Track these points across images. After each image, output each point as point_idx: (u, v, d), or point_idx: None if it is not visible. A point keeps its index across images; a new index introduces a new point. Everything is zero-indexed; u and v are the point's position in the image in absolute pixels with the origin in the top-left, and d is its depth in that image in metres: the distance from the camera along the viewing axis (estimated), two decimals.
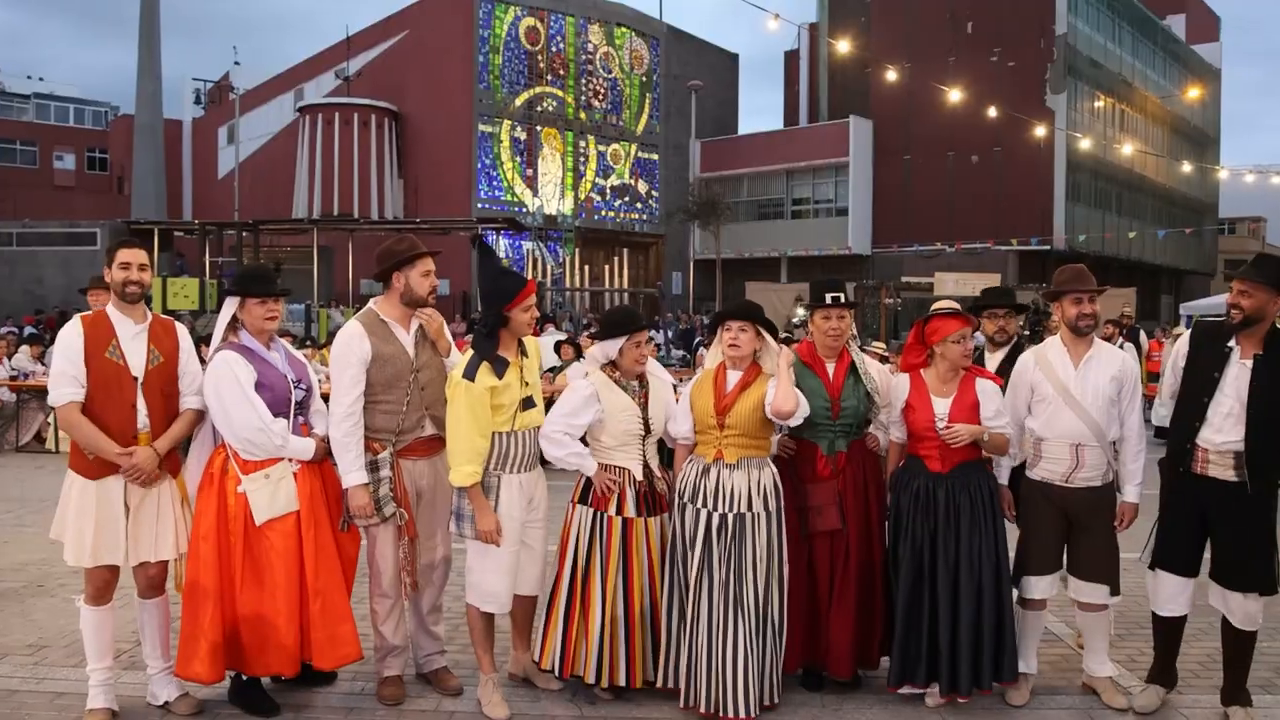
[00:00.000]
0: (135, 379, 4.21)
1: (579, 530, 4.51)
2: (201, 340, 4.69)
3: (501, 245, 32.05)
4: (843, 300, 4.67)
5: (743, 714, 4.22)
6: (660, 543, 4.55)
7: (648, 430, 4.55)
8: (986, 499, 4.48)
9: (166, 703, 4.38)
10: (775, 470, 4.51)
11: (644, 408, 4.53)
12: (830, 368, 4.68)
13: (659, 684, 4.49)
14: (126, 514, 4.20)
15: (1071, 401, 4.51)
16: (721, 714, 4.25)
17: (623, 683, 4.46)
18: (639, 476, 4.54)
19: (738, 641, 4.26)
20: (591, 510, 4.50)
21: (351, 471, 4.35)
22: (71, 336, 4.17)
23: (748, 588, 4.31)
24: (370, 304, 4.65)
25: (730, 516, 4.33)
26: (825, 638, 4.60)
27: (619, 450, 4.52)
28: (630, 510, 4.49)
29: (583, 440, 4.54)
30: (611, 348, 4.53)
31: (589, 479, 4.51)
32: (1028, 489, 4.70)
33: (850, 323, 4.77)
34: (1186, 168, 41.28)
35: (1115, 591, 4.60)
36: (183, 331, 4.50)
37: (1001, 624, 4.42)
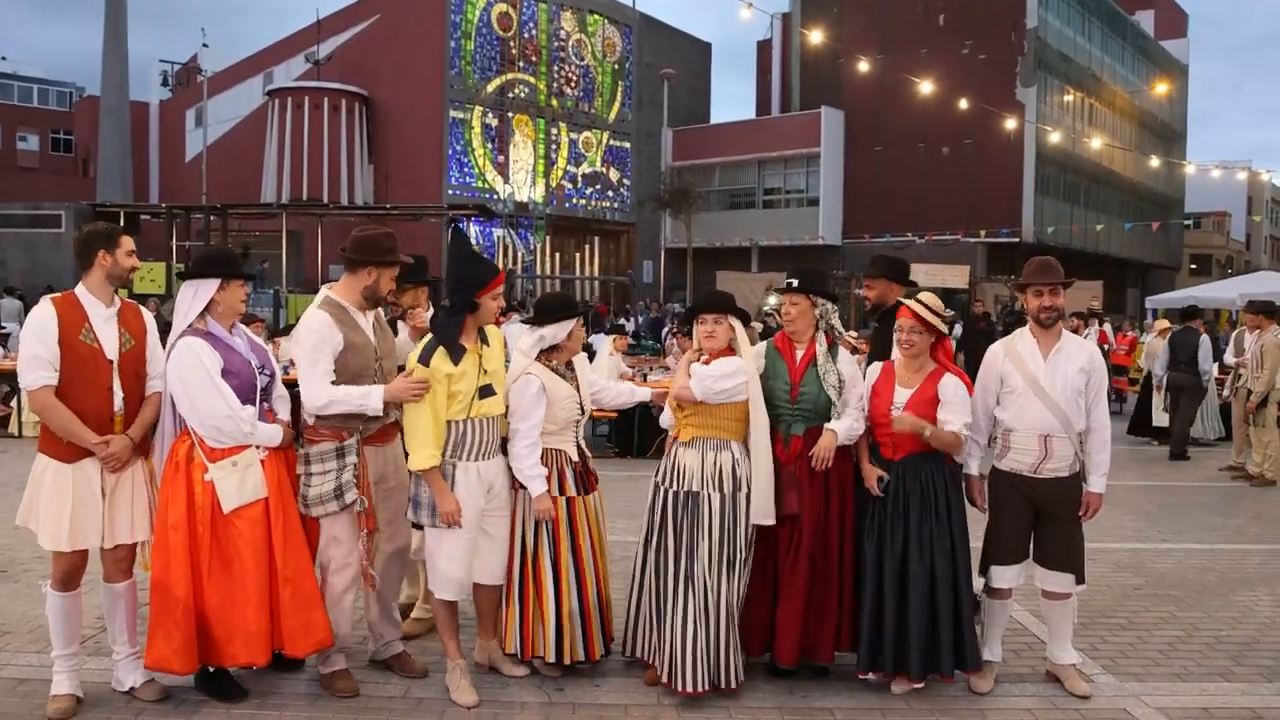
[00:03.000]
0: (111, 362, 4.17)
1: (524, 514, 4.55)
2: (169, 325, 4.64)
3: (472, 232, 31.86)
4: (795, 285, 4.68)
5: (689, 689, 4.33)
6: (596, 519, 4.68)
7: (583, 412, 4.67)
8: (940, 489, 4.51)
9: (132, 689, 4.35)
10: (738, 455, 4.52)
11: (578, 391, 4.64)
12: (799, 354, 4.71)
13: (626, 652, 4.63)
14: (103, 497, 4.17)
15: (1040, 393, 4.56)
16: (673, 686, 4.37)
17: (581, 657, 4.56)
18: (574, 457, 4.64)
19: (685, 617, 4.38)
20: None
21: (364, 398, 4.31)
22: (44, 319, 4.09)
23: (698, 565, 4.40)
24: (327, 291, 4.56)
25: (682, 494, 4.47)
26: (773, 624, 4.60)
27: (557, 435, 4.59)
28: (571, 489, 4.58)
29: None
30: (562, 331, 4.56)
31: None
32: (995, 479, 4.74)
33: (810, 309, 4.70)
34: (1154, 162, 41.71)
35: (1080, 580, 4.66)
36: (148, 315, 4.46)
37: (959, 612, 4.46)
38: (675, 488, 4.50)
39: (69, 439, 4.09)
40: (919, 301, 4.59)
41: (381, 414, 4.44)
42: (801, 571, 4.55)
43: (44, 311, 4.12)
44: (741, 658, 4.48)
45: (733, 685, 4.42)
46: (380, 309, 4.68)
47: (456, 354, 4.31)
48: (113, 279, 4.23)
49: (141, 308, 4.49)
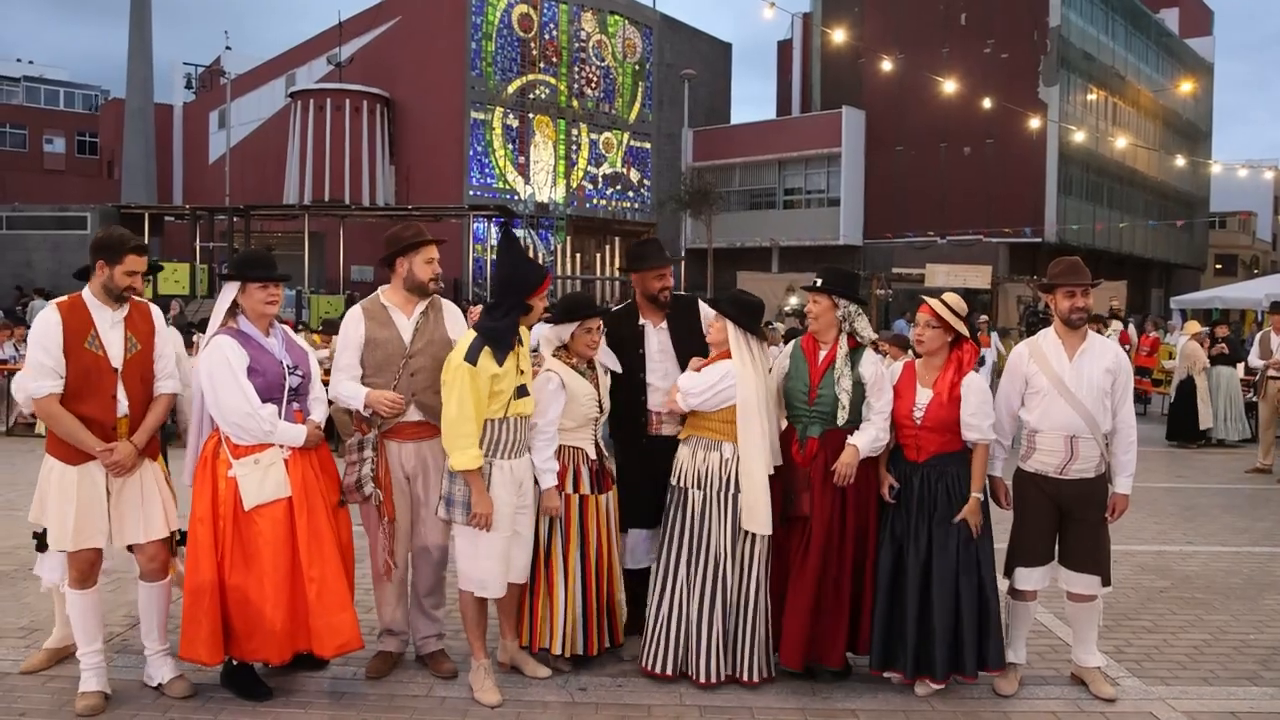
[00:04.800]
0: (115, 370, 4.20)
1: (539, 509, 4.62)
2: (191, 326, 4.70)
3: (493, 233, 31.98)
4: (818, 284, 4.70)
5: (653, 669, 4.59)
6: (607, 518, 4.73)
7: (601, 411, 4.72)
8: (965, 490, 4.50)
9: (160, 685, 4.39)
10: (729, 455, 4.52)
11: (597, 389, 4.68)
12: (822, 355, 4.70)
13: (650, 668, 4.62)
14: (108, 497, 4.22)
15: (1066, 393, 4.53)
16: (646, 668, 4.63)
17: (580, 651, 4.63)
18: (591, 455, 4.71)
19: (660, 606, 4.59)
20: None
21: (358, 396, 4.52)
22: (49, 327, 4.10)
23: (694, 559, 4.55)
24: (379, 289, 4.76)
25: (677, 490, 4.62)
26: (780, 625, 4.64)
27: (576, 432, 4.65)
28: (585, 487, 4.65)
29: None
30: (564, 331, 4.65)
31: None
32: (1020, 481, 4.72)
33: (831, 309, 4.67)
34: (1180, 161, 41.33)
35: (1106, 582, 4.63)
36: (157, 314, 4.49)
37: (985, 611, 4.45)
38: (674, 483, 4.65)
39: (74, 445, 4.14)
40: (940, 300, 4.58)
41: (395, 414, 4.53)
42: (810, 573, 4.54)
43: (49, 319, 4.12)
44: (761, 652, 4.54)
45: (705, 679, 4.51)
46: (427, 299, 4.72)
47: (502, 354, 4.33)
48: (107, 291, 4.21)
49: (153, 307, 4.51)
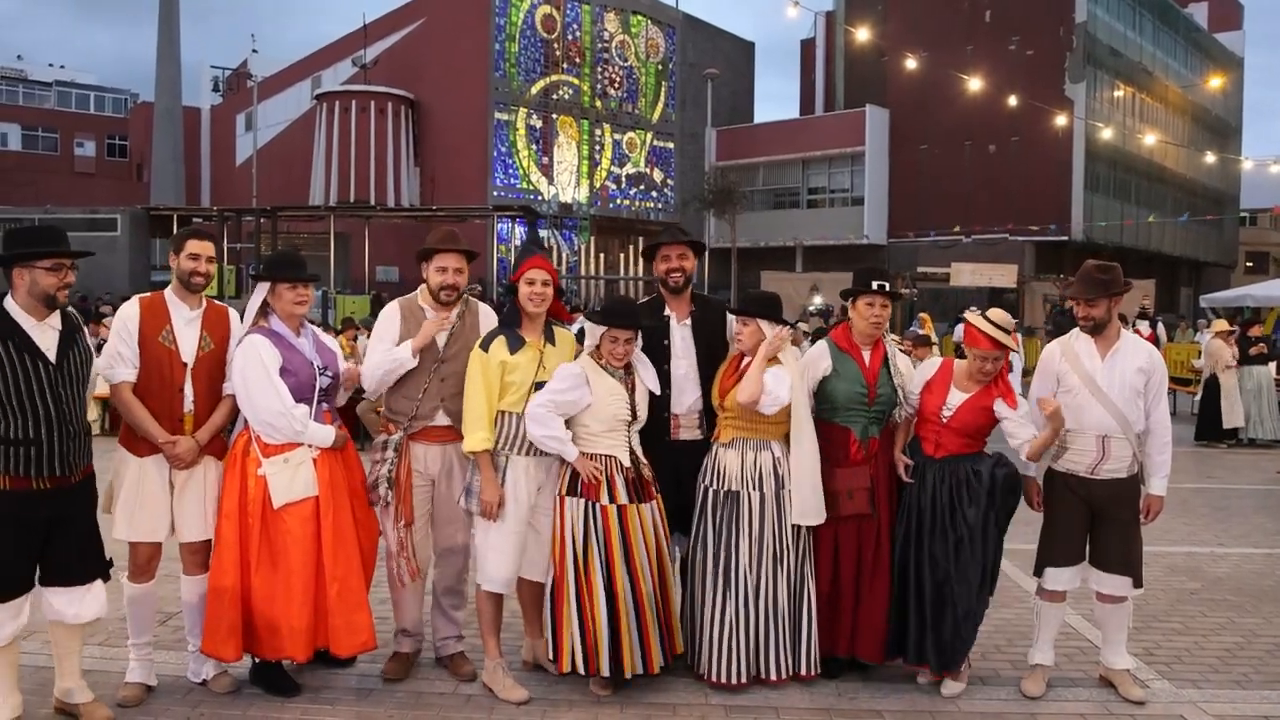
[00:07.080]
0: (185, 364, 4.29)
1: (573, 522, 4.39)
2: None
3: (516, 233, 32.07)
4: (888, 289, 4.71)
5: (721, 678, 4.46)
6: (653, 529, 4.49)
7: (634, 416, 4.53)
8: (976, 486, 4.48)
9: (205, 680, 4.45)
10: (779, 454, 4.55)
11: (631, 393, 4.51)
12: (867, 355, 4.70)
13: (722, 679, 4.51)
14: (171, 491, 4.30)
15: (1098, 393, 4.49)
16: (707, 676, 4.52)
17: (607, 673, 4.36)
18: (626, 463, 4.47)
19: (722, 611, 4.46)
20: (584, 501, 4.39)
21: (395, 360, 4.54)
22: (128, 319, 4.25)
23: (738, 562, 4.47)
24: (418, 289, 4.78)
25: (723, 493, 4.52)
26: (854, 623, 4.63)
27: (605, 437, 4.45)
28: (623, 497, 4.42)
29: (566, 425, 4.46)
30: (595, 331, 4.58)
31: (575, 471, 4.43)
32: (1051, 480, 4.68)
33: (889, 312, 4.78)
34: (1210, 158, 40.85)
35: (1138, 584, 4.59)
36: (235, 318, 4.55)
37: (959, 612, 4.44)
38: (716, 486, 4.56)
39: (141, 434, 4.23)
40: (989, 321, 4.46)
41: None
42: (885, 571, 4.60)
43: (129, 310, 4.29)
44: (817, 646, 4.56)
45: (776, 677, 4.50)
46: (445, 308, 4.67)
47: (514, 343, 4.39)
48: (180, 282, 4.33)
49: (231, 310, 4.59)
